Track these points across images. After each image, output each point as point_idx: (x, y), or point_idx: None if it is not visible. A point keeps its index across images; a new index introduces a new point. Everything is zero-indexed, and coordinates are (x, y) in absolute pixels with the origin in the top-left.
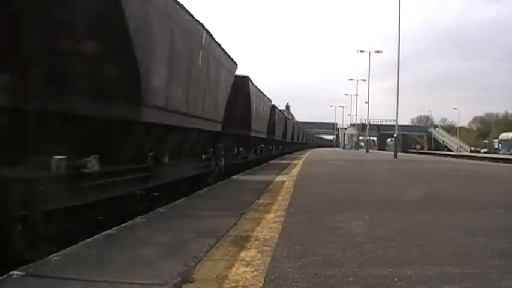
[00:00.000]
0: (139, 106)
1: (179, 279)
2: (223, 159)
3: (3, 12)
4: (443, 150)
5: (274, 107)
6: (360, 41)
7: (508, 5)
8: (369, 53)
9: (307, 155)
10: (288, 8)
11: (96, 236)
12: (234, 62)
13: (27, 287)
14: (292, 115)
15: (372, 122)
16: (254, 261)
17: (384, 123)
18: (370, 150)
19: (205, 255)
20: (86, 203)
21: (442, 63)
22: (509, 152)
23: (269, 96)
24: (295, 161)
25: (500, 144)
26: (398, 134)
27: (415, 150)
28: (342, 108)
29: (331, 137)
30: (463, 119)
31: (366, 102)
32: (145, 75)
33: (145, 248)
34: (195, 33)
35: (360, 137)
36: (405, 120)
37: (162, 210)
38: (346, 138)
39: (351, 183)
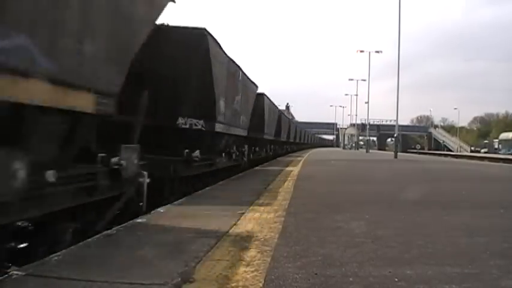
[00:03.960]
0: None
1: (179, 279)
2: (147, 175)
3: None
4: (443, 150)
5: (262, 95)
6: (362, 42)
7: (509, 6)
8: (369, 53)
9: (306, 155)
10: (287, 8)
11: (96, 236)
12: None
13: (27, 287)
14: (292, 115)
15: (372, 122)
16: (254, 261)
17: (384, 123)
18: (370, 150)
19: (206, 255)
20: None
21: (443, 63)
22: (509, 152)
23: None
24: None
25: (500, 144)
26: (399, 134)
27: (415, 150)
28: (342, 108)
29: (331, 137)
30: (463, 119)
31: (366, 103)
32: None
33: (146, 248)
34: None
35: (360, 137)
36: (405, 120)
37: (162, 211)
38: (346, 138)
39: (351, 183)
